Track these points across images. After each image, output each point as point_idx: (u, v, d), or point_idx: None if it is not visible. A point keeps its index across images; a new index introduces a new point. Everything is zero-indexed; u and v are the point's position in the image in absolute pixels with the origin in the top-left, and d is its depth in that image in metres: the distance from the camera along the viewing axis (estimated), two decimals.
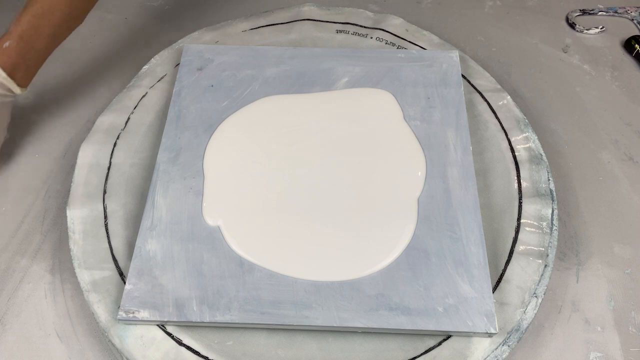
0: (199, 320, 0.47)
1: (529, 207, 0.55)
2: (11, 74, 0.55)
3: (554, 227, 0.54)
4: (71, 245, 0.52)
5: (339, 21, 0.72)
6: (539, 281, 0.51)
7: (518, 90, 0.68)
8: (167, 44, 0.69)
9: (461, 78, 0.65)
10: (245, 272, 0.51)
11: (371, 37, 0.71)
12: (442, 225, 0.53)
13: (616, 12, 0.78)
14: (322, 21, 0.72)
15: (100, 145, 0.59)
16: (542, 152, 0.59)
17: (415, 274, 0.50)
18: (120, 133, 0.61)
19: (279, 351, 0.47)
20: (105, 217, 0.55)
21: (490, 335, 0.47)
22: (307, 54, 0.67)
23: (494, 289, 0.50)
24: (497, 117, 0.62)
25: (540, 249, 0.52)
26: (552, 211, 0.55)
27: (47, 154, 0.62)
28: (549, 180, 0.57)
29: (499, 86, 0.65)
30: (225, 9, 0.78)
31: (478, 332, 0.47)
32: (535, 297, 0.50)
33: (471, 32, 0.75)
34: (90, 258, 0.52)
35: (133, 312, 0.47)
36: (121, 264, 0.52)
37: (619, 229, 0.57)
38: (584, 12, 0.78)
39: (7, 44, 0.54)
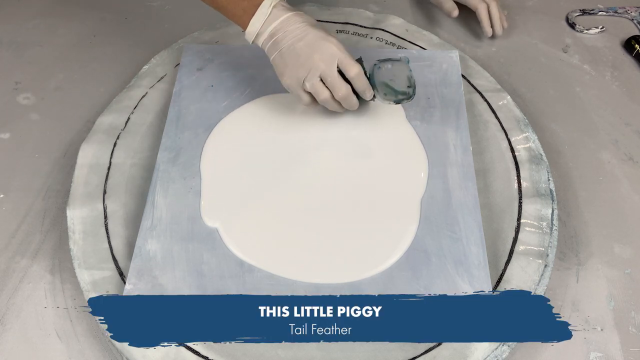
0: None
1: (529, 207, 0.55)
2: None
3: (554, 227, 0.54)
4: (71, 245, 0.52)
5: (339, 21, 0.72)
6: (539, 281, 0.51)
7: (518, 90, 0.68)
8: (167, 44, 0.69)
9: (461, 78, 0.65)
10: (245, 272, 0.51)
11: (371, 37, 0.71)
12: (442, 225, 0.53)
13: (616, 12, 0.78)
14: (322, 21, 0.72)
15: (100, 145, 0.59)
16: (542, 152, 0.59)
17: (415, 274, 0.50)
18: (120, 133, 0.61)
19: (279, 351, 0.47)
20: (105, 217, 0.55)
21: None
22: None
23: (494, 289, 0.50)
24: (497, 117, 0.62)
25: (540, 249, 0.52)
26: (552, 211, 0.55)
27: (47, 154, 0.62)
28: (549, 180, 0.57)
29: (499, 86, 0.65)
30: None
31: None
32: None
33: (471, 32, 0.75)
34: (90, 258, 0.52)
35: None
36: (121, 264, 0.52)
37: (619, 229, 0.57)
38: (584, 12, 0.78)
39: None
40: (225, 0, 0.54)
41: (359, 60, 0.55)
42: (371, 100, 0.56)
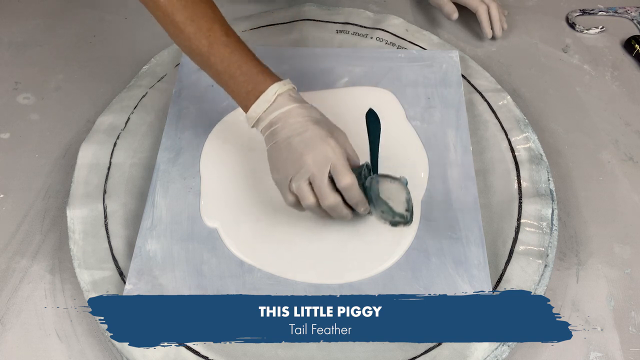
0: None
1: (529, 207, 0.55)
2: None
3: (554, 227, 0.54)
4: (71, 245, 0.52)
5: (339, 21, 0.72)
6: (539, 281, 0.51)
7: (518, 90, 0.68)
8: (167, 44, 0.69)
9: (461, 78, 0.65)
10: (245, 272, 0.51)
11: (371, 37, 0.71)
12: (442, 225, 0.53)
13: (616, 12, 0.78)
14: (322, 21, 0.72)
15: (100, 145, 0.59)
16: (542, 152, 0.59)
17: (415, 274, 0.50)
18: (120, 133, 0.61)
19: (279, 351, 0.47)
20: (105, 217, 0.55)
21: None
22: (307, 54, 0.67)
23: (494, 289, 0.50)
24: (497, 117, 0.62)
25: (540, 249, 0.52)
26: (552, 211, 0.55)
27: (47, 154, 0.62)
28: (549, 180, 0.57)
29: (499, 86, 0.65)
30: (225, 9, 0.78)
31: None
32: None
33: (471, 32, 0.75)
34: (90, 258, 0.52)
35: None
36: (121, 264, 0.52)
37: (619, 229, 0.57)
38: (584, 12, 0.78)
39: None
40: (231, 80, 0.50)
41: (363, 167, 0.50)
42: (367, 214, 0.51)
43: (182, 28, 0.49)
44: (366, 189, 0.49)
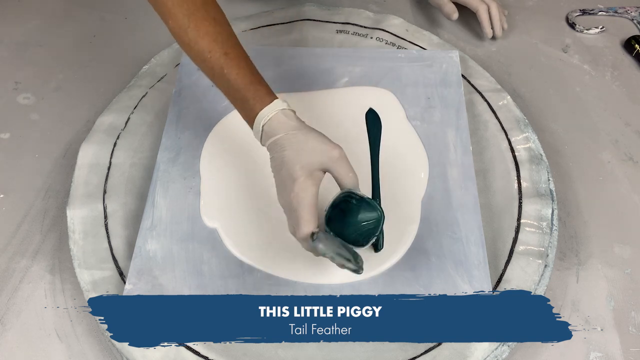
0: None
1: (529, 207, 0.55)
2: None
3: (554, 227, 0.54)
4: (71, 245, 0.52)
5: (339, 21, 0.72)
6: (539, 281, 0.51)
7: (518, 90, 0.68)
8: (167, 44, 0.69)
9: (461, 78, 0.65)
10: (245, 272, 0.51)
11: (371, 37, 0.71)
12: (442, 225, 0.53)
13: (616, 12, 0.78)
14: (322, 21, 0.72)
15: (100, 145, 0.59)
16: (542, 152, 0.59)
17: (415, 274, 0.50)
18: (120, 133, 0.61)
19: (279, 351, 0.47)
20: (105, 217, 0.55)
21: None
22: (307, 54, 0.67)
23: (494, 289, 0.50)
24: (497, 117, 0.62)
25: (540, 249, 0.52)
26: (552, 211, 0.55)
27: (47, 154, 0.62)
28: (549, 180, 0.57)
29: (499, 86, 0.65)
30: (225, 9, 0.78)
31: None
32: None
33: (471, 32, 0.75)
34: (90, 258, 0.52)
35: None
36: (121, 264, 0.52)
37: (619, 229, 0.57)
38: (584, 12, 0.78)
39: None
40: (232, 103, 0.50)
41: (354, 196, 0.45)
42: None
43: (191, 46, 0.49)
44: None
